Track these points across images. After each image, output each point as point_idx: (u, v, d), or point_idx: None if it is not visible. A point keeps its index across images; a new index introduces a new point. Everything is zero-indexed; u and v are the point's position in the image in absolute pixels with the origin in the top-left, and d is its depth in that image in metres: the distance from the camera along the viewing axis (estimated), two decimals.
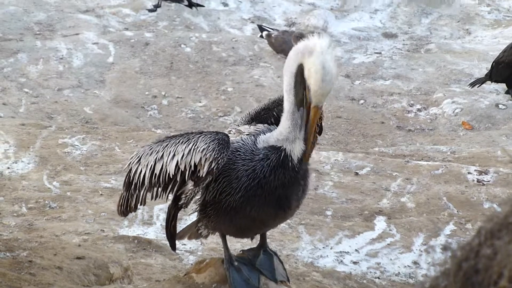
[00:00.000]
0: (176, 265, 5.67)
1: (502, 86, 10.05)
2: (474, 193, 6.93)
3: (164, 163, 4.03)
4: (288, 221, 5.93)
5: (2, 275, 4.02)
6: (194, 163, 3.93)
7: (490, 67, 9.96)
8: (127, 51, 10.92)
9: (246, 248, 4.66)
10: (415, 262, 5.99)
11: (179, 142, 4.04)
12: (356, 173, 7.30)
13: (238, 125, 4.36)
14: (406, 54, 11.44)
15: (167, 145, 4.09)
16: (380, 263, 5.97)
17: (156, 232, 6.23)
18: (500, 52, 9.94)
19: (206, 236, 4.55)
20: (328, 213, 6.62)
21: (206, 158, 3.91)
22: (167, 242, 5.99)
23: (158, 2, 12.14)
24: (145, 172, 4.11)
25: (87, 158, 7.44)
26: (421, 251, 6.10)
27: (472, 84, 10.03)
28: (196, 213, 4.32)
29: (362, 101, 10.15)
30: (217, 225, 4.24)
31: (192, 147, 3.96)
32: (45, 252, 4.38)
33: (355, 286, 5.67)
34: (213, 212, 4.14)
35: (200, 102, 10.05)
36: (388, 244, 6.20)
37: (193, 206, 4.32)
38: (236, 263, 4.40)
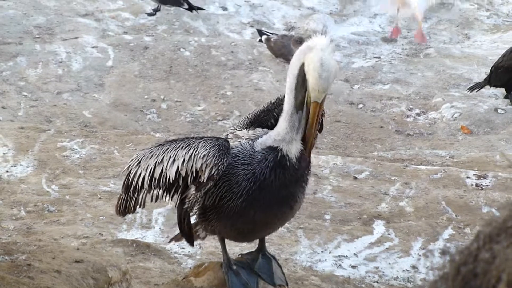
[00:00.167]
0: (174, 268, 5.67)
1: (501, 91, 10.06)
2: (473, 197, 6.93)
3: (164, 167, 4.05)
4: (287, 225, 5.93)
5: (1, 279, 4.02)
6: (196, 169, 3.95)
7: (489, 71, 9.96)
8: (126, 55, 10.93)
9: (244, 252, 4.67)
10: (413, 266, 5.99)
11: (179, 147, 4.06)
12: (355, 177, 7.31)
13: (237, 129, 4.37)
14: (405, 59, 11.45)
15: (167, 149, 4.10)
16: (379, 267, 5.97)
17: (154, 236, 6.23)
18: (499, 57, 9.94)
19: (203, 238, 4.56)
20: (327, 217, 6.62)
21: (207, 164, 3.93)
22: (166, 246, 6.02)
23: (158, 6, 12.15)
24: (145, 175, 4.12)
25: (86, 162, 7.44)
26: (420, 255, 6.10)
27: (471, 89, 10.03)
28: (194, 216, 4.32)
29: (361, 105, 10.15)
30: (218, 229, 4.25)
31: (193, 152, 3.98)
32: (44, 255, 4.38)
33: None
34: (213, 217, 4.15)
35: (199, 106, 10.06)
36: (386, 248, 6.20)
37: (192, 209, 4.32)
38: (234, 267, 4.40)
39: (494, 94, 10.17)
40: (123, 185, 4.27)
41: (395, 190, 7.08)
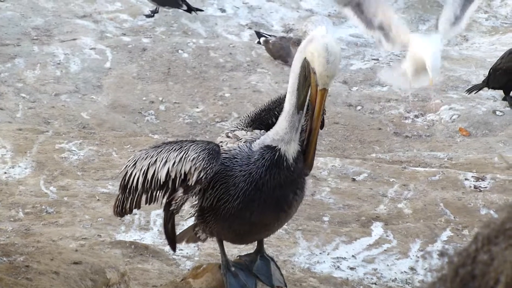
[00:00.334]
0: (173, 270, 5.67)
1: (500, 93, 10.06)
2: (471, 199, 6.93)
3: (156, 169, 4.07)
4: (285, 226, 5.93)
5: None
6: (184, 172, 3.96)
7: (487, 73, 9.97)
8: (125, 57, 10.92)
9: (243, 254, 4.67)
10: (412, 268, 6.00)
11: (172, 149, 4.07)
12: (353, 179, 7.31)
13: (237, 127, 4.37)
14: (403, 61, 11.44)
15: (161, 151, 4.12)
16: (377, 269, 5.97)
17: (153, 237, 6.23)
18: (497, 59, 9.95)
19: (204, 240, 4.56)
20: (325, 219, 6.62)
21: (195, 168, 3.94)
22: (164, 247, 6.01)
23: (156, 8, 12.14)
24: (139, 176, 4.14)
25: (84, 163, 7.44)
26: (418, 257, 6.10)
27: (469, 91, 10.04)
28: (193, 218, 4.33)
29: (359, 107, 10.15)
30: (216, 230, 4.25)
31: (183, 155, 3.99)
32: (42, 257, 4.38)
33: None
34: (211, 218, 4.15)
35: (197, 107, 10.05)
36: (385, 250, 6.20)
37: (190, 210, 4.33)
38: (233, 269, 4.40)
39: (493, 96, 10.17)
40: (120, 185, 4.29)
41: (393, 192, 7.08)
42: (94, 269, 4.41)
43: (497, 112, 9.77)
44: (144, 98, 10.12)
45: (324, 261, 6.02)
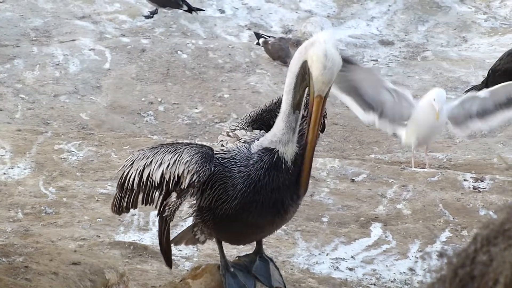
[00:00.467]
0: (172, 271, 5.66)
1: None
2: (470, 200, 6.93)
3: (151, 170, 4.08)
4: (284, 227, 5.93)
5: None
6: (178, 174, 3.97)
7: (486, 74, 9.96)
8: (124, 57, 10.92)
9: (242, 254, 4.66)
10: (411, 269, 5.99)
11: (167, 151, 4.09)
12: (352, 180, 7.31)
13: (238, 126, 4.37)
14: (402, 62, 11.46)
15: (157, 152, 4.13)
16: (376, 269, 5.97)
17: (152, 238, 6.23)
18: (496, 60, 9.94)
19: (203, 242, 4.56)
20: (324, 219, 6.62)
21: (188, 171, 3.94)
22: None
23: (155, 9, 12.14)
24: (135, 176, 4.15)
25: (83, 164, 7.44)
26: (417, 257, 6.10)
27: (469, 92, 10.03)
28: (191, 218, 4.33)
29: None
30: (214, 231, 4.25)
31: (177, 158, 4.00)
32: (41, 257, 4.38)
33: None
34: (209, 218, 4.15)
35: (196, 108, 10.06)
36: (384, 250, 6.20)
37: (189, 211, 4.33)
38: (232, 269, 4.40)
39: None
40: (118, 184, 4.30)
41: (392, 193, 7.08)
42: (93, 269, 4.41)
43: None
44: (143, 99, 10.12)
45: (323, 262, 6.01)
